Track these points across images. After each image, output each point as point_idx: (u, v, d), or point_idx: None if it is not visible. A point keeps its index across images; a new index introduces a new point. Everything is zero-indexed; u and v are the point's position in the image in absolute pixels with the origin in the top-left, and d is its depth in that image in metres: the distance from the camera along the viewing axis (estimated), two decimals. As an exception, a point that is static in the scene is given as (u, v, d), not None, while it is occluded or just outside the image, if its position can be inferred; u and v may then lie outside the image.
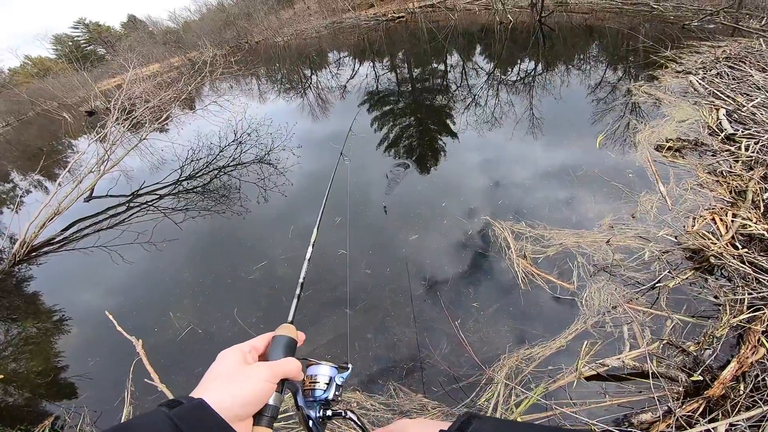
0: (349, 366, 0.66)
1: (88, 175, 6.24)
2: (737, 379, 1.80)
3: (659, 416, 1.77)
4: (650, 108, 4.79)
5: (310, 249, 0.92)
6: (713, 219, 2.78)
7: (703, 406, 1.74)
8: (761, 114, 3.93)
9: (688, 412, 1.74)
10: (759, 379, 1.77)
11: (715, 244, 2.52)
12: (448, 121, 6.04)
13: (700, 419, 1.70)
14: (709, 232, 2.66)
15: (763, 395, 1.70)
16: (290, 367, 0.57)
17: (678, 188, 3.23)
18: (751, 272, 2.25)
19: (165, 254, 4.36)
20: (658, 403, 1.82)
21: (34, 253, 5.21)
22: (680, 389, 1.85)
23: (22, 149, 16.04)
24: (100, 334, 3.51)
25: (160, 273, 4.12)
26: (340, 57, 14.69)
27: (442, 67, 9.93)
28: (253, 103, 10.20)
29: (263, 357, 0.61)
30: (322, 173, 5.16)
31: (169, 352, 3.00)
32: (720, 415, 1.69)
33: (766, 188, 2.95)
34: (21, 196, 7.64)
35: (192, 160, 6.82)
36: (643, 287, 2.44)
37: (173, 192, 5.87)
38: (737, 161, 3.35)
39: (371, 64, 11.86)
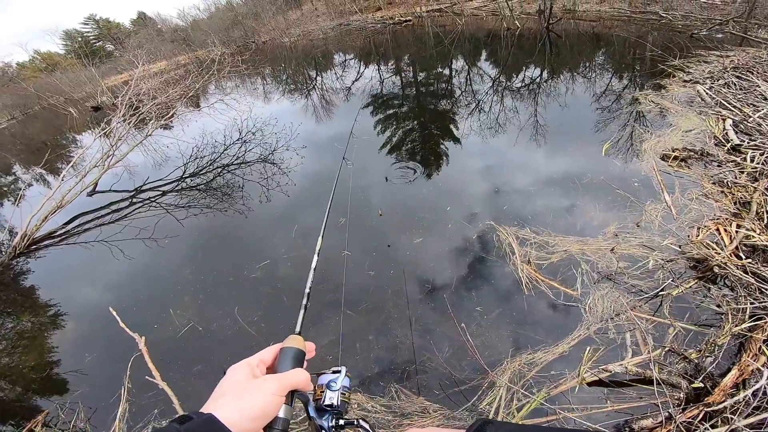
0: (342, 368, 0.65)
1: (93, 170, 6.26)
2: (737, 386, 1.82)
3: (660, 422, 1.78)
4: (657, 117, 4.78)
5: (315, 258, 0.90)
6: (717, 229, 2.78)
7: (703, 412, 1.76)
8: (767, 125, 3.91)
9: (689, 418, 1.76)
10: (759, 386, 1.78)
11: (719, 254, 2.52)
12: (452, 126, 6.04)
13: (700, 425, 1.71)
14: (713, 242, 2.66)
15: (763, 402, 1.72)
16: (298, 378, 0.56)
17: (683, 198, 3.22)
18: (754, 282, 2.27)
19: (166, 251, 4.36)
20: (660, 408, 1.83)
21: (34, 246, 5.21)
22: (681, 396, 1.86)
23: (26, 143, 16.13)
24: (98, 329, 3.51)
25: (161, 269, 4.12)
26: (345, 59, 14.75)
27: (447, 71, 9.94)
28: (258, 102, 10.24)
29: (272, 369, 0.60)
30: (325, 174, 5.17)
31: (168, 349, 2.99)
32: (720, 421, 1.70)
33: (771, 200, 2.93)
34: (23, 190, 7.66)
35: (196, 158, 6.84)
36: (647, 295, 2.44)
37: (176, 189, 5.88)
38: (742, 172, 3.34)
39: (376, 66, 11.89)
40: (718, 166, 3.56)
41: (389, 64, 12.08)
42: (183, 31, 33.99)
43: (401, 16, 20.67)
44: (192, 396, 2.53)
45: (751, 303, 2.16)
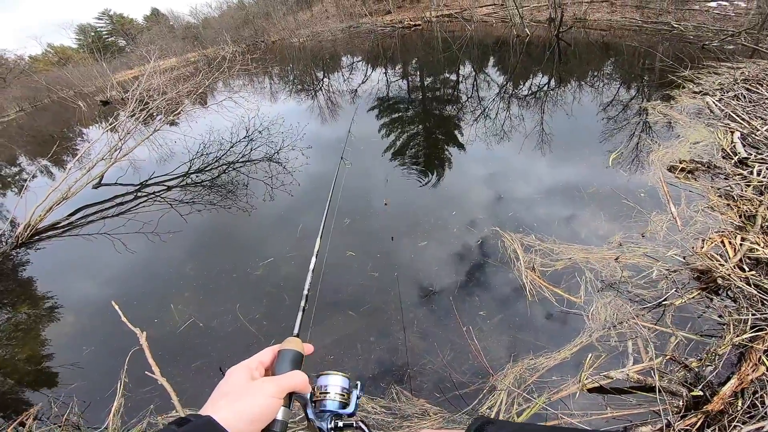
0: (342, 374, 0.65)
1: (99, 163, 6.31)
2: (736, 395, 1.85)
3: (659, 429, 1.79)
4: (665, 128, 4.76)
5: (313, 260, 0.90)
6: (722, 242, 2.78)
7: (701, 420, 1.78)
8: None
9: (687, 425, 1.77)
10: (757, 395, 1.81)
11: (723, 265, 2.53)
12: (457, 132, 6.03)
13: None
14: (717, 254, 2.67)
15: (761, 411, 1.74)
16: (296, 380, 0.57)
17: (689, 210, 3.20)
18: (757, 294, 2.30)
19: (169, 246, 4.38)
20: (659, 416, 1.84)
21: (36, 237, 5.24)
22: (680, 404, 1.88)
23: (33, 135, 16.26)
24: (97, 322, 3.50)
25: (163, 264, 4.13)
26: (353, 61, 14.81)
27: (454, 77, 9.95)
28: (265, 101, 10.30)
29: (270, 371, 0.61)
30: (328, 176, 5.17)
31: (167, 344, 2.98)
32: (717, 429, 1.73)
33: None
34: (28, 181, 7.75)
35: (202, 154, 6.87)
36: (650, 304, 2.45)
37: (181, 184, 5.91)
38: (749, 186, 3.32)
39: (383, 70, 11.93)
40: (725, 179, 3.54)
41: (396, 67, 12.11)
42: (194, 29, 34.31)
43: (410, 21, 20.75)
44: (189, 392, 2.52)
45: (753, 314, 2.18)
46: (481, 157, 5.04)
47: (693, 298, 2.43)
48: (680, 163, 3.84)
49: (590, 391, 2.04)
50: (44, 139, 13.90)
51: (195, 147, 7.20)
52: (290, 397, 0.57)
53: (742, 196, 3.21)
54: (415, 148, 5.81)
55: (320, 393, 0.60)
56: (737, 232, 2.84)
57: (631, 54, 9.07)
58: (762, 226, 2.83)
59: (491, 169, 4.70)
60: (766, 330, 2.08)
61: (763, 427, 1.65)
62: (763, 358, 1.95)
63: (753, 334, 2.10)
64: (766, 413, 1.71)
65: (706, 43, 8.16)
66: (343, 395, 0.61)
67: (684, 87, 5.81)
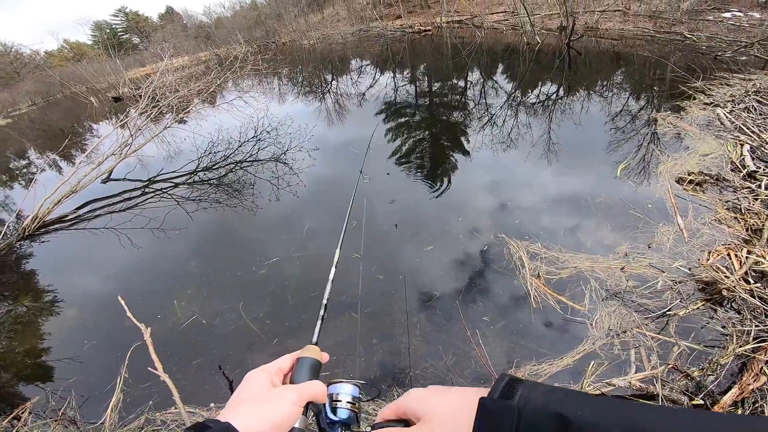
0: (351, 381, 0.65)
1: (109, 158, 6.38)
2: (736, 404, 1.86)
3: None
4: (674, 139, 4.72)
5: (333, 270, 0.90)
6: (728, 254, 2.78)
7: None
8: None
9: None
10: (757, 405, 1.83)
11: (729, 278, 2.52)
12: (463, 139, 6.03)
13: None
14: (723, 266, 2.66)
15: None
16: (317, 390, 0.56)
17: (696, 222, 3.18)
18: (761, 306, 2.30)
19: (174, 242, 4.41)
20: None
21: (43, 229, 5.29)
22: None
23: (44, 129, 16.50)
24: (100, 316, 3.52)
25: (167, 260, 4.16)
26: (362, 65, 14.88)
27: (462, 83, 9.96)
28: (274, 102, 10.38)
29: (288, 378, 0.61)
30: (336, 179, 5.20)
31: (169, 340, 3.00)
32: None
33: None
34: (37, 174, 7.86)
35: (210, 152, 6.94)
36: (654, 314, 2.45)
37: (188, 181, 5.96)
38: (757, 199, 3.29)
39: (392, 74, 11.97)
40: (734, 191, 3.50)
41: (405, 72, 12.15)
42: (206, 28, 34.72)
43: (421, 26, 20.83)
44: (188, 389, 2.52)
45: (756, 326, 2.18)
46: (487, 165, 5.04)
47: (697, 308, 2.43)
48: (689, 175, 3.81)
49: (592, 397, 2.04)
50: (54, 133, 14.09)
51: (204, 145, 7.27)
52: (307, 405, 0.57)
53: (749, 210, 3.18)
54: (421, 153, 5.82)
55: (332, 401, 0.60)
56: (743, 245, 2.83)
57: (642, 64, 9.02)
58: (768, 240, 2.80)
59: (498, 176, 4.69)
60: (768, 341, 2.08)
61: None
62: (765, 368, 1.95)
63: (755, 345, 2.10)
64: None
65: (719, 53, 8.09)
66: (354, 403, 0.61)
67: (695, 98, 5.76)
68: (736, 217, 3.16)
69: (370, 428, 0.58)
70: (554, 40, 12.75)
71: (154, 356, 2.77)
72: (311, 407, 0.58)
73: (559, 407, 0.37)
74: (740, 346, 2.11)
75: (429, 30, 19.84)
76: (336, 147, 6.51)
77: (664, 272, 2.72)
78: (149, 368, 2.67)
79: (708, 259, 2.76)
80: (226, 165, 6.31)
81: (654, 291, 2.61)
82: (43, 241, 5.12)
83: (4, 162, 11.50)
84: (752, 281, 2.50)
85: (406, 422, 0.52)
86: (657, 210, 3.44)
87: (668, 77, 7.19)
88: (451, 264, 3.25)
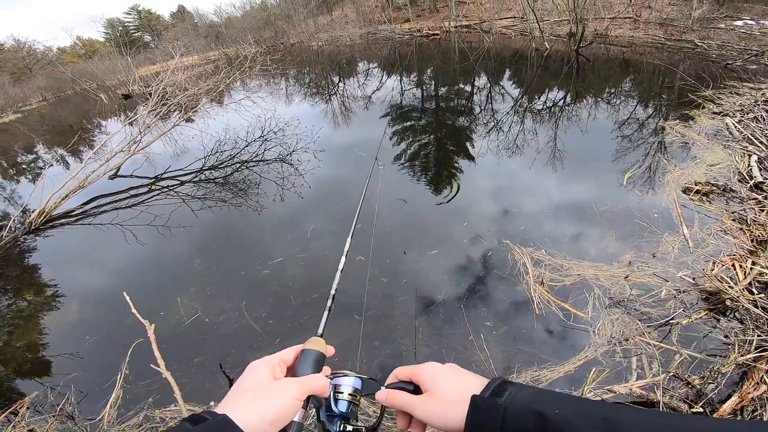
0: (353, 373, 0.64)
1: (118, 154, 6.45)
2: (735, 413, 1.87)
3: None
4: (681, 148, 4.69)
5: (343, 259, 0.89)
6: (733, 265, 2.77)
7: None
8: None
9: None
10: (756, 413, 1.84)
11: (732, 288, 2.52)
12: (469, 144, 6.02)
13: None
14: (727, 277, 2.65)
15: None
16: (319, 384, 0.56)
17: (701, 232, 3.16)
18: (764, 316, 2.30)
19: (179, 240, 4.44)
20: None
21: (50, 224, 5.34)
22: None
23: (53, 124, 16.68)
24: (103, 312, 3.53)
25: (172, 258, 4.19)
26: (369, 67, 14.93)
27: (469, 88, 9.96)
28: (281, 103, 10.43)
29: (291, 370, 0.60)
30: (342, 180, 5.21)
31: (171, 338, 3.00)
32: None
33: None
34: (44, 169, 7.94)
35: (217, 152, 6.98)
36: (657, 323, 2.45)
37: (194, 180, 6.01)
38: (763, 210, 3.26)
39: (399, 77, 11.99)
40: (740, 202, 3.47)
41: (412, 76, 12.17)
42: (216, 27, 35.02)
43: (429, 30, 20.88)
44: (188, 387, 2.53)
45: (759, 335, 2.18)
46: (493, 170, 5.03)
47: (700, 318, 2.43)
48: (695, 185, 3.78)
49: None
50: (63, 129, 14.24)
51: (211, 144, 7.32)
52: (308, 399, 0.56)
53: (755, 221, 3.16)
54: (425, 157, 5.82)
55: (334, 393, 0.59)
56: (748, 255, 2.83)
57: (651, 71, 8.97)
58: (774, 251, 2.78)
59: (503, 182, 4.68)
60: (770, 350, 2.08)
61: None
62: (765, 377, 1.95)
63: (757, 354, 2.10)
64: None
65: (729, 62, 8.03)
66: (355, 396, 0.60)
67: (704, 107, 5.72)
68: (741, 228, 3.14)
69: (384, 386, 0.60)
70: (563, 47, 12.72)
71: (157, 353, 2.77)
72: (312, 400, 0.58)
73: (540, 406, 0.43)
74: (742, 355, 2.12)
75: (437, 34, 19.87)
76: (342, 149, 6.53)
77: (668, 281, 2.71)
78: (152, 365, 2.67)
79: (712, 269, 2.75)
80: (233, 164, 6.35)
81: (657, 300, 2.60)
82: (48, 236, 5.16)
83: (11, 157, 11.65)
84: (756, 291, 2.50)
85: (417, 387, 0.56)
86: (662, 219, 3.42)
87: (677, 85, 7.14)
88: (455, 268, 3.25)
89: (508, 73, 10.96)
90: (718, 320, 2.41)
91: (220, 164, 6.43)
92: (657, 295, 2.63)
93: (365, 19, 26.57)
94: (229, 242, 4.28)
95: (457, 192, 4.50)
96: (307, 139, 6.83)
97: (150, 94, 7.95)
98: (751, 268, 2.68)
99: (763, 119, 4.93)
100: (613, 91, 8.08)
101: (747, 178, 3.78)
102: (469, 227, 3.75)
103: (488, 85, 9.83)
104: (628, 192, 3.98)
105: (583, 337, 2.45)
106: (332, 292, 0.79)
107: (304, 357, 0.60)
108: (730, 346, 2.22)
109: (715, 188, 3.71)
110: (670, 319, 2.43)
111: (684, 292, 2.62)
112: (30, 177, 9.03)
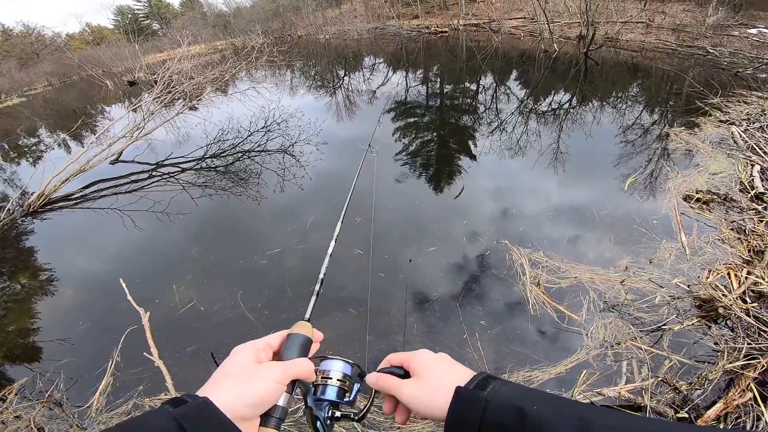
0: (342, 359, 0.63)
1: (120, 140, 6.45)
2: (719, 419, 1.90)
3: None
4: (685, 155, 4.66)
5: (332, 243, 0.88)
6: (728, 273, 2.78)
7: None
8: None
9: None
10: (740, 419, 1.88)
11: (726, 296, 2.53)
12: (471, 143, 5.99)
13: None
14: (722, 285, 2.65)
15: None
16: (304, 368, 0.56)
17: (699, 240, 3.16)
18: (755, 325, 2.32)
19: (177, 227, 4.44)
20: None
21: (48, 207, 5.34)
22: None
23: (57, 109, 16.68)
24: (96, 298, 3.52)
25: (169, 244, 4.19)
26: (375, 62, 14.85)
27: (474, 87, 9.90)
28: (285, 94, 10.40)
29: (277, 355, 0.60)
30: (342, 172, 5.20)
31: (165, 325, 3.00)
32: None
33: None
34: (46, 152, 7.96)
35: (219, 140, 6.98)
36: (649, 328, 2.46)
37: (196, 167, 6.01)
38: (761, 221, 3.25)
39: (404, 74, 11.93)
40: (739, 212, 3.46)
41: (417, 72, 12.11)
42: (225, 17, 34.90)
43: (437, 27, 20.74)
44: (179, 375, 2.53)
45: (748, 343, 2.20)
46: (494, 170, 5.01)
47: (692, 324, 2.45)
48: (696, 193, 3.76)
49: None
50: (66, 113, 14.24)
51: (213, 133, 7.31)
52: (293, 383, 0.55)
53: (753, 231, 3.15)
54: (428, 154, 5.80)
55: (322, 378, 0.59)
56: (744, 265, 2.83)
57: (660, 77, 8.90)
58: (769, 262, 2.78)
59: (504, 182, 4.67)
60: (758, 359, 2.11)
61: None
62: (752, 384, 1.98)
63: (745, 362, 2.12)
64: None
65: (740, 70, 7.95)
66: (344, 381, 0.59)
67: (711, 115, 5.66)
68: (739, 238, 3.13)
69: (376, 371, 0.61)
70: (572, 49, 12.62)
71: (150, 341, 2.77)
72: (299, 385, 0.57)
73: (519, 402, 0.45)
74: (730, 363, 2.14)
75: (445, 32, 19.75)
76: (344, 142, 6.51)
77: (663, 287, 2.72)
78: (145, 354, 2.67)
79: (707, 277, 2.75)
80: (234, 153, 6.35)
81: (651, 305, 2.61)
82: (46, 219, 5.17)
83: (13, 139, 11.66)
84: (749, 300, 2.51)
85: (407, 374, 0.59)
86: (662, 226, 3.41)
87: (685, 92, 7.08)
88: (452, 266, 3.25)
89: (514, 73, 10.89)
90: (710, 327, 2.43)
91: (222, 153, 6.43)
92: (651, 301, 2.64)
93: (374, 14, 26.41)
94: (228, 231, 4.28)
95: (462, 190, 4.48)
96: (310, 131, 6.82)
97: (155, 82, 7.94)
98: (746, 278, 2.69)
99: (769, 129, 4.89)
100: (620, 95, 8.02)
101: (748, 188, 3.76)
102: (469, 226, 3.75)
103: (494, 84, 9.77)
104: (629, 197, 3.96)
105: (575, 340, 2.46)
106: (320, 276, 0.78)
107: (290, 341, 0.59)
108: (719, 354, 2.24)
109: (715, 197, 3.68)
110: (663, 325, 2.45)
111: (678, 298, 2.63)
112: (31, 160, 9.05)
